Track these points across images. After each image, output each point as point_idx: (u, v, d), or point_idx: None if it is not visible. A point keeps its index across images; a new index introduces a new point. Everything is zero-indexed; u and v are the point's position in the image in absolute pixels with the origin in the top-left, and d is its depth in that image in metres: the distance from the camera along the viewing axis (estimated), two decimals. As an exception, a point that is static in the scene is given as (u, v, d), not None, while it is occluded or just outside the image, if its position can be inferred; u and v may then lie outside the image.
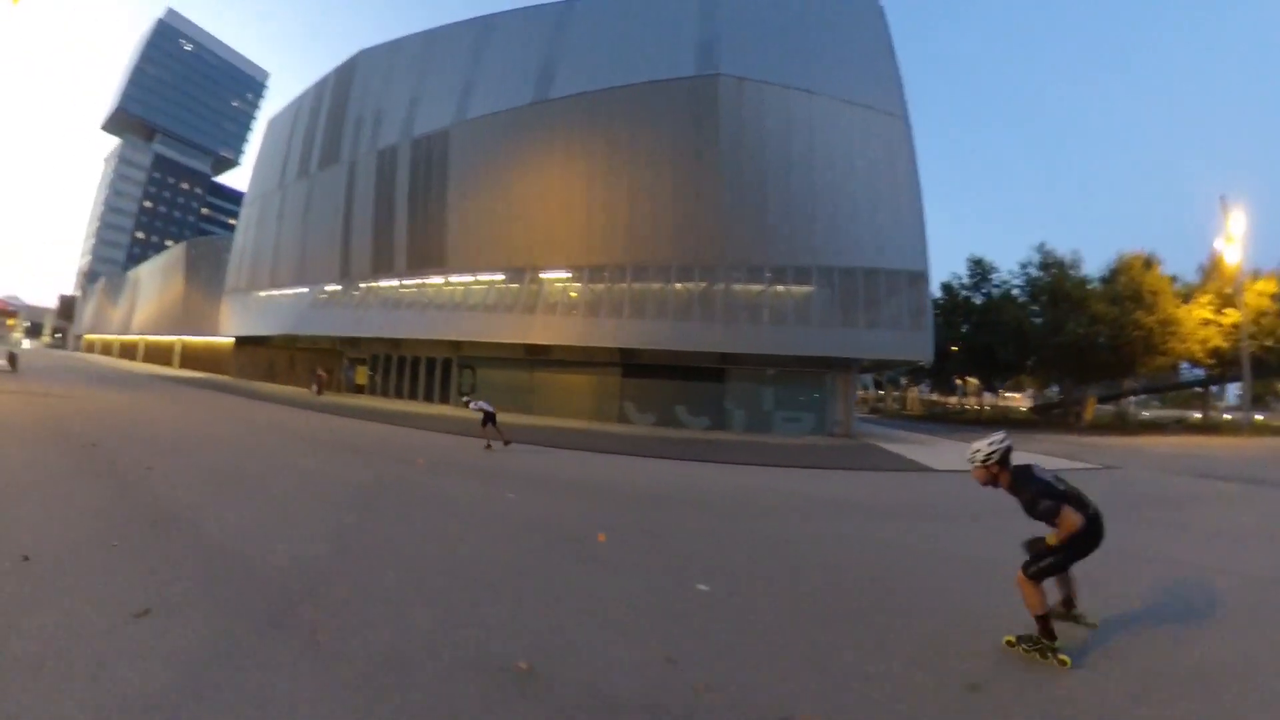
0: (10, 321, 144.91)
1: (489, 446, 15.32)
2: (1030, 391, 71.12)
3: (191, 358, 59.61)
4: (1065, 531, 4.00)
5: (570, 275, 29.62)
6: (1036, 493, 4.21)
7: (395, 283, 34.76)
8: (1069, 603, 4.61)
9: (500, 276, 31.21)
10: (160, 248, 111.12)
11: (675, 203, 28.79)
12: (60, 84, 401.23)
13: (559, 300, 29.30)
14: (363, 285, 36.32)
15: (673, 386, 28.33)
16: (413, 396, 33.44)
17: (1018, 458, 4.59)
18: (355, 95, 41.67)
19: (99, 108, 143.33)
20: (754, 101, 29.18)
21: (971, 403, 64.91)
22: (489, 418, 15.55)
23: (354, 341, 36.50)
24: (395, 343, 34.30)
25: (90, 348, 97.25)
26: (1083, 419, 45.21)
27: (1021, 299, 46.67)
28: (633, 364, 28.72)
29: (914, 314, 26.29)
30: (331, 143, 41.98)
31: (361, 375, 36.14)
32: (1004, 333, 43.29)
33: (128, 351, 78.69)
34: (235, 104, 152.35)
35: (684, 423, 27.41)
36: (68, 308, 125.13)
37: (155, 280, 72.41)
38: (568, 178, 30.61)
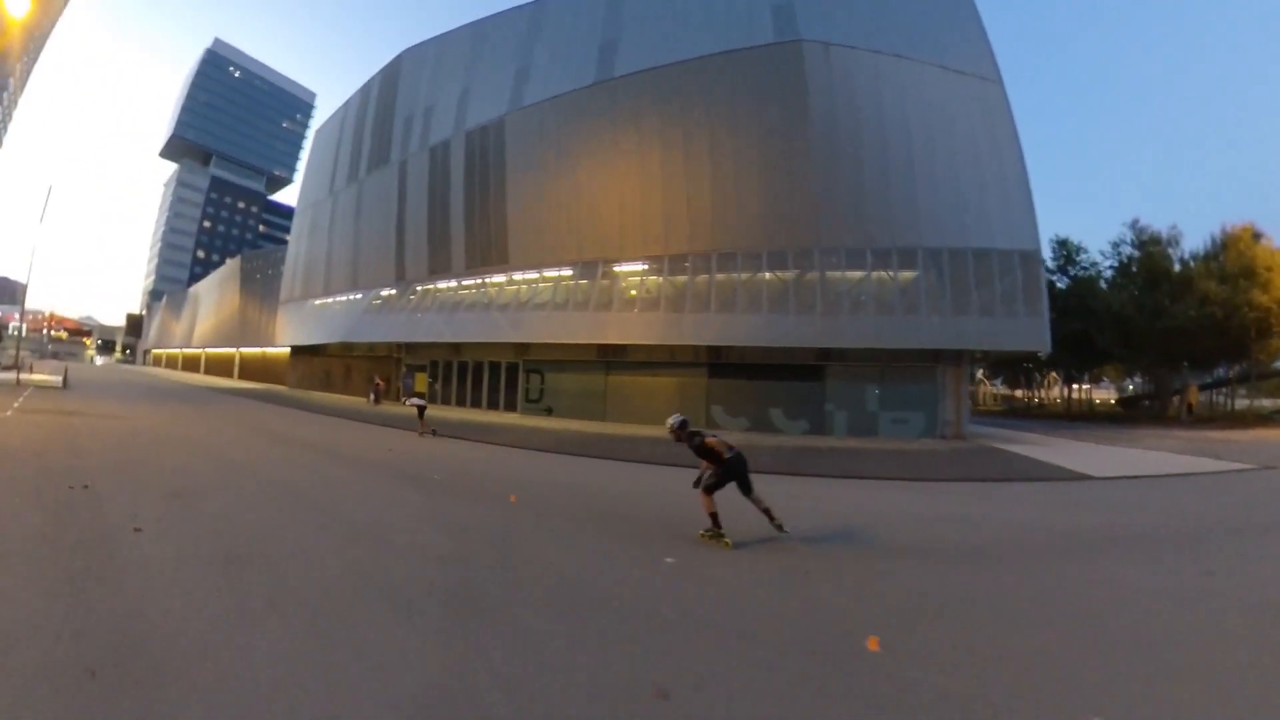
0: (85, 340, 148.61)
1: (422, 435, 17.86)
2: (1109, 383, 65.50)
3: (249, 369, 58.05)
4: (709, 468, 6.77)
5: (646, 268, 26.26)
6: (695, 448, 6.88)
7: (453, 283, 31.82)
8: (768, 514, 6.80)
9: (568, 272, 27.97)
10: (220, 265, 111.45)
11: (762, 183, 25.33)
12: (121, 116, 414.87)
13: (635, 295, 25.93)
14: (419, 288, 33.49)
15: (765, 387, 24.77)
16: (476, 404, 30.39)
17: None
18: (402, 94, 38.97)
19: (157, 136, 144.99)
20: (841, 68, 25.50)
21: (1049, 396, 59.63)
22: (421, 411, 18.67)
23: (411, 348, 33.68)
24: (455, 347, 31.34)
25: (157, 362, 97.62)
26: (1186, 411, 40.09)
27: (1116, 281, 41.75)
28: (720, 363, 25.31)
29: (1029, 298, 22.50)
30: (380, 145, 39.37)
31: (421, 383, 33.28)
32: (1101, 318, 38.47)
33: (190, 364, 78.08)
34: (285, 125, 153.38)
35: (779, 427, 23.78)
36: (135, 325, 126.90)
37: (213, 295, 71.49)
38: (639, 162, 27.25)
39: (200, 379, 58.19)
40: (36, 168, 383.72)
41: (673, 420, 7.22)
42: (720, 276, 25.03)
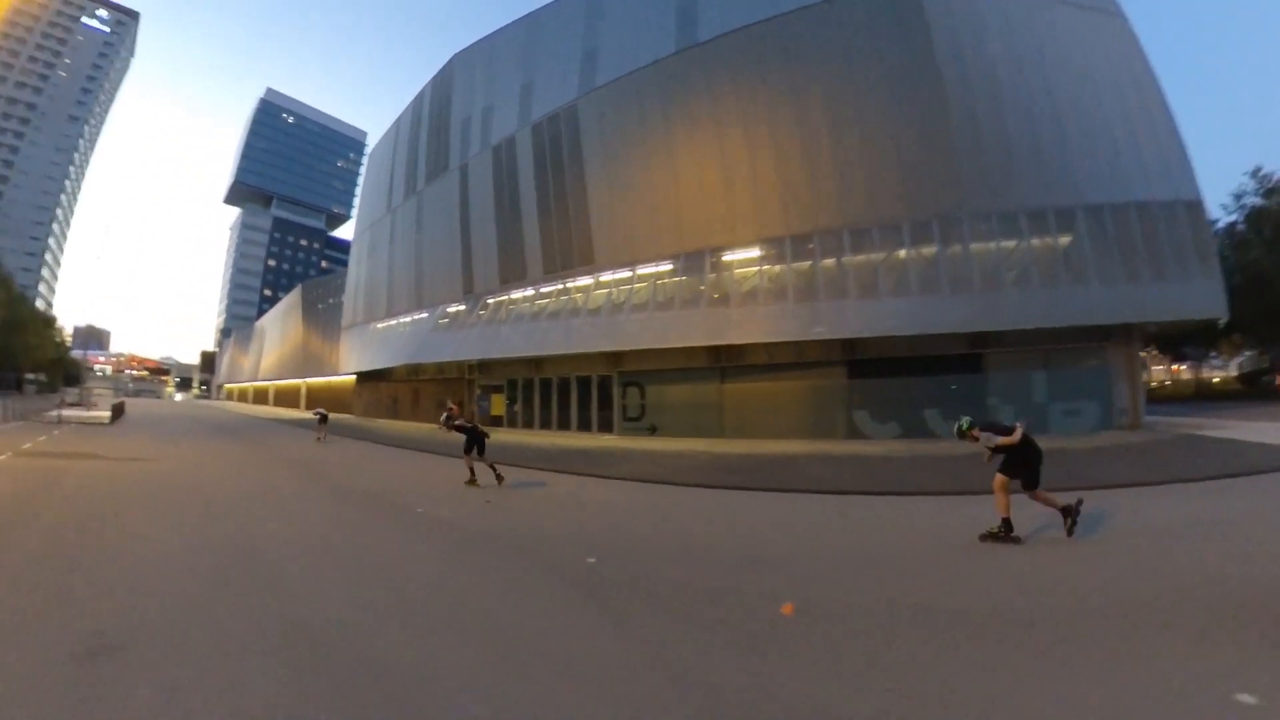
0: (164, 379, 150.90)
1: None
2: (1218, 358, 57.40)
3: (316, 399, 54.63)
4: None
5: (763, 253, 21.15)
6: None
7: (530, 292, 27.20)
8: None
9: (668, 266, 23.13)
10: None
11: (890, 143, 20.36)
12: (187, 166, 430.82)
13: (752, 286, 20.88)
14: (490, 300, 29.01)
15: (915, 385, 19.49)
16: (563, 426, 25.56)
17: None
18: (457, 99, 34.81)
19: (222, 183, 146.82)
20: (963, 7, 20.59)
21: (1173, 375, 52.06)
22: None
23: (485, 366, 29.17)
24: (535, 362, 26.65)
25: (230, 396, 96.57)
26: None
27: (1245, 237, 34.67)
28: (859, 360, 20.03)
29: (1201, 256, 18.17)
30: (437, 153, 35.27)
31: (498, 404, 28.68)
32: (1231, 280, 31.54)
33: (260, 397, 75.94)
34: (340, 164, 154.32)
35: (937, 431, 18.30)
36: (209, 362, 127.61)
37: (277, 327, 69.17)
38: (743, 132, 22.30)
39: (267, 411, 55.27)
40: (111, 223, 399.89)
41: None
42: (857, 258, 19.89)
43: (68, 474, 10.27)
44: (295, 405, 60.24)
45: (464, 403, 29.32)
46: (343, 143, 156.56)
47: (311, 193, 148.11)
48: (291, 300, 63.72)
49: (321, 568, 5.43)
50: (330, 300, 54.69)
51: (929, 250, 19.23)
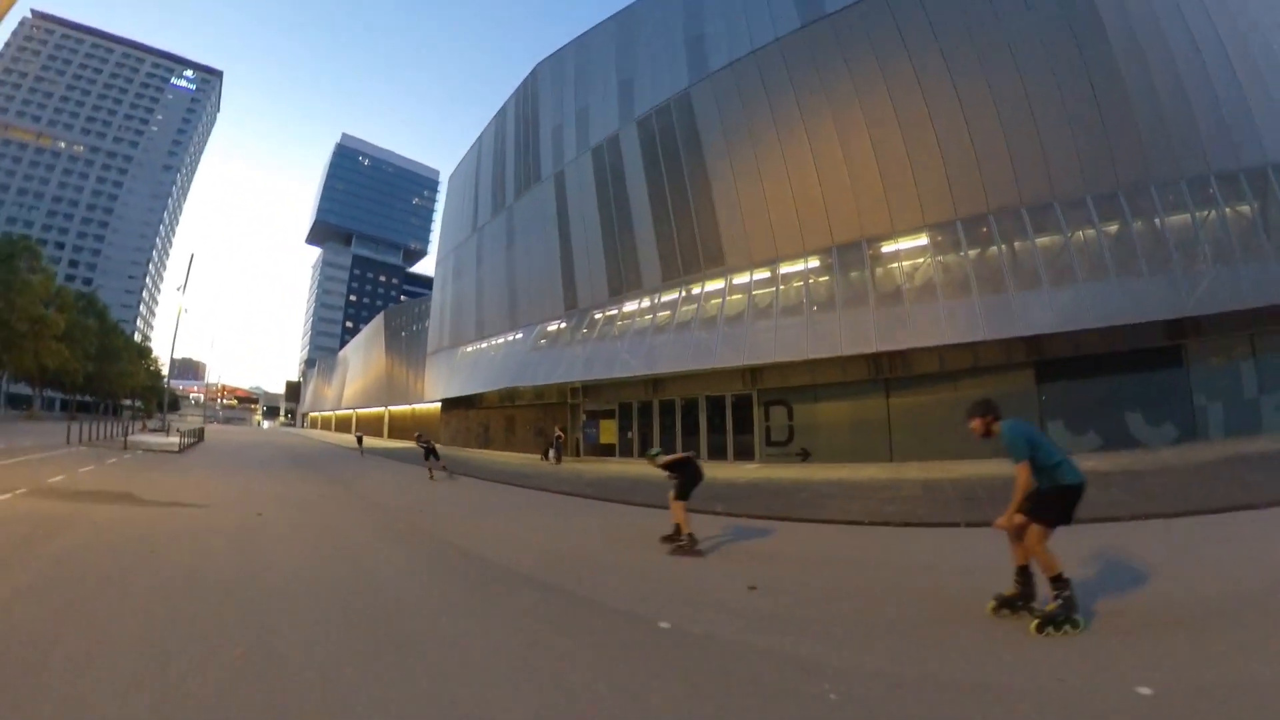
0: (253, 407, 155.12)
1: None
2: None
3: (399, 427, 52.32)
4: None
5: (929, 240, 16.68)
6: None
7: (645, 303, 23.25)
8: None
9: (815, 264, 18.74)
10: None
11: (1059, 106, 16.10)
12: (274, 210, 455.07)
13: (924, 280, 16.49)
14: (598, 315, 25.19)
15: (1111, 386, 15.19)
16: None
17: None
18: (545, 106, 31.66)
19: (304, 225, 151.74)
20: None
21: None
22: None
23: (591, 389, 25.28)
24: (653, 383, 22.56)
25: (313, 424, 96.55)
26: None
27: None
28: (1050, 360, 15.57)
29: None
30: (527, 164, 32.11)
31: (608, 431, 24.65)
32: None
33: (343, 425, 74.68)
34: (415, 201, 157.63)
35: (1140, 439, 13.68)
36: (294, 391, 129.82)
37: (359, 355, 67.97)
38: (890, 107, 18.12)
39: (348, 439, 52.99)
40: (205, 267, 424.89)
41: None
42: (1041, 240, 15.37)
43: (67, 530, 6.73)
44: (379, 433, 58.15)
45: (568, 429, 25.44)
46: (416, 181, 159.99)
47: (388, 230, 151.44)
48: (374, 328, 62.17)
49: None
50: (413, 327, 52.56)
51: (1117, 226, 14.66)
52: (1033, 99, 16.13)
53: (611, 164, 25.60)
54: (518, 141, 33.83)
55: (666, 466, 7.26)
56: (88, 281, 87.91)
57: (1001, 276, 15.58)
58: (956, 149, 16.90)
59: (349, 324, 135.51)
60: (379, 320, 60.10)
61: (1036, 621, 3.65)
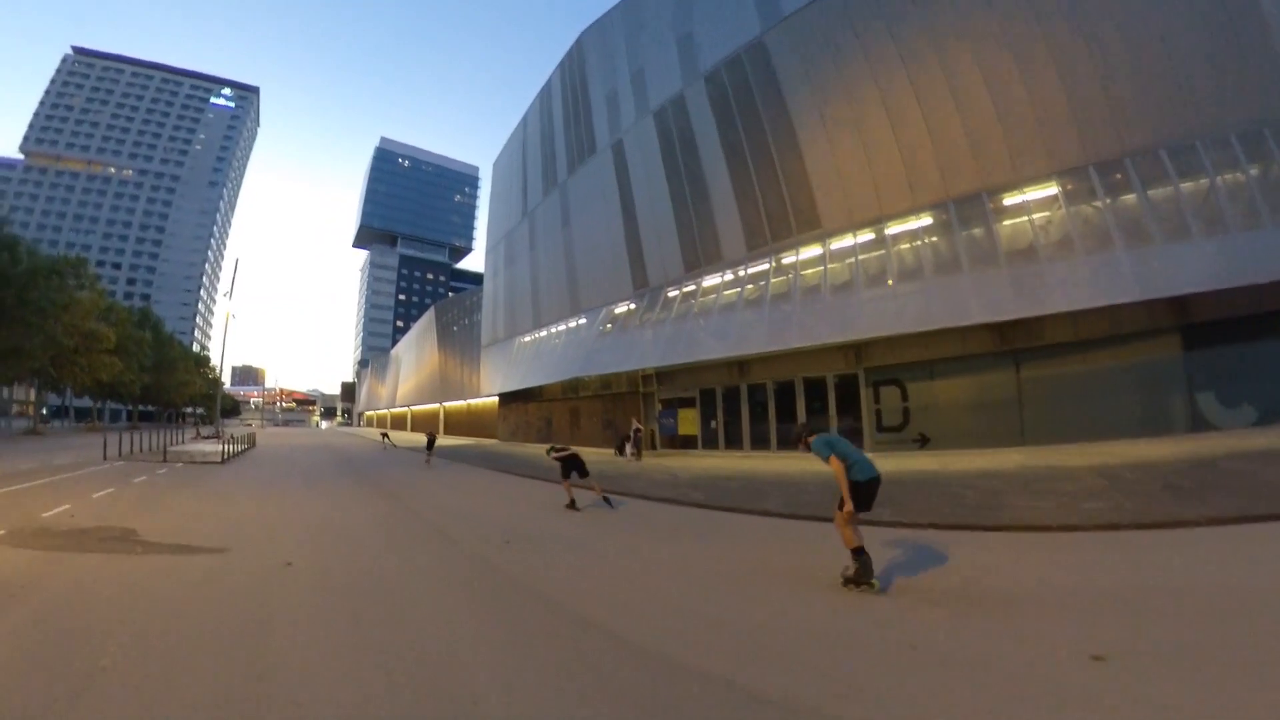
0: (310, 409, 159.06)
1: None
2: None
3: (454, 423, 51.33)
4: None
5: (1058, 191, 13.84)
6: None
7: (727, 276, 20.72)
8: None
9: (928, 221, 15.94)
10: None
11: (1196, 29, 12.52)
12: (321, 216, 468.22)
13: (1060, 234, 13.74)
14: (671, 293, 22.80)
15: (1266, 352, 12.19)
16: (787, 443, 18.73)
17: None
18: (595, 74, 29.35)
19: (350, 229, 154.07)
20: None
21: None
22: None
23: (666, 375, 22.95)
24: (738, 366, 20.09)
25: (369, 423, 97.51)
26: None
27: None
28: (1199, 323, 12.77)
29: None
30: (581, 136, 29.88)
31: (687, 422, 22.29)
32: None
33: (397, 423, 74.64)
34: (457, 199, 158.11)
35: None
36: (349, 391, 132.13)
37: (411, 353, 67.47)
38: (1002, 40, 15.02)
39: (405, 437, 52.21)
40: (258, 277, 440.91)
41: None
42: (1187, 185, 12.30)
43: (17, 606, 4.55)
44: (435, 430, 57.31)
45: (642, 421, 23.17)
46: (456, 178, 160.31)
47: (432, 229, 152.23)
48: (424, 324, 61.35)
49: None
50: (464, 321, 51.27)
51: (1265, 165, 11.47)
52: (1163, 22, 13.06)
53: (678, 126, 23.07)
54: (567, 115, 31.63)
55: (559, 459, 10.09)
56: (145, 298, 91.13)
57: (1153, 229, 12.65)
58: (1082, 81, 14.07)
59: (399, 323, 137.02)
60: (429, 315, 59.15)
61: (842, 580, 4.82)
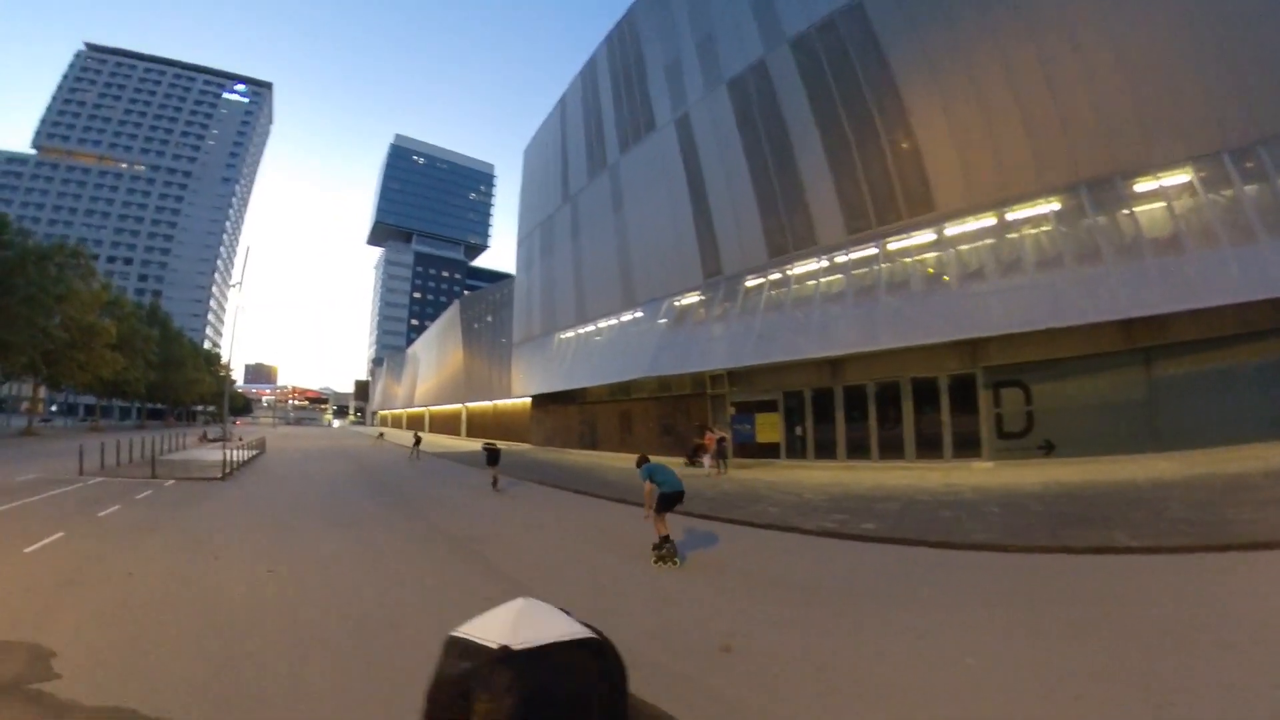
0: (322, 407, 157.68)
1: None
2: None
3: (478, 425, 48.97)
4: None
5: (1193, 178, 11.76)
6: None
7: (823, 262, 18.22)
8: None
9: (1056, 206, 13.65)
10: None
11: None
12: (334, 213, 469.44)
13: (1205, 220, 11.48)
14: (749, 282, 20.39)
15: None
16: (889, 452, 16.46)
17: None
18: (652, 43, 27.13)
19: (364, 226, 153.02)
20: None
21: None
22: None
23: (739, 375, 20.56)
24: (830, 365, 17.72)
25: (383, 422, 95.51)
26: None
27: None
28: None
29: None
30: (636, 111, 27.59)
31: (768, 428, 19.88)
32: None
33: (415, 423, 72.54)
34: (472, 196, 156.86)
35: None
36: (362, 390, 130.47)
37: (431, 350, 65.33)
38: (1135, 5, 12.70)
39: (436, 442, 50.07)
40: (271, 273, 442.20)
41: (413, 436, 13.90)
42: None
43: None
44: (455, 432, 55.16)
45: (710, 427, 20.74)
46: (471, 176, 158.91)
47: (447, 226, 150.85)
48: (448, 320, 59.10)
49: None
50: (487, 318, 49.01)
51: None
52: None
53: (760, 97, 20.69)
54: (617, 91, 29.35)
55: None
56: (157, 294, 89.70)
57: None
58: (1232, 46, 11.82)
59: (414, 321, 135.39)
60: (453, 311, 56.89)
61: (654, 558, 6.68)
